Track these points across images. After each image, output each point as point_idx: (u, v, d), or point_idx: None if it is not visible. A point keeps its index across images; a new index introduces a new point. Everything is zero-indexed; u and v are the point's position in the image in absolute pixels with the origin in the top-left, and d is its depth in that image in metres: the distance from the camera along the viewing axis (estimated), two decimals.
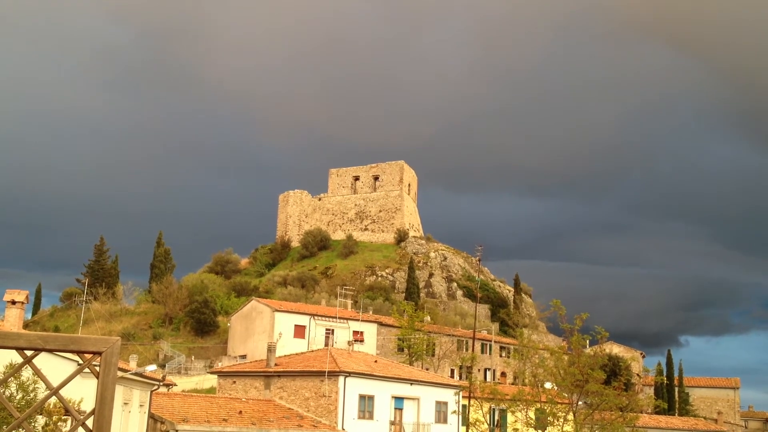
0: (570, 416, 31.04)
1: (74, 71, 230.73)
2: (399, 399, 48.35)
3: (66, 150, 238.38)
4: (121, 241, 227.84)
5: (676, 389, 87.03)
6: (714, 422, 77.69)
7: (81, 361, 3.39)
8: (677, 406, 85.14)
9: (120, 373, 29.43)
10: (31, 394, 20.38)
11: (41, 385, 20.14)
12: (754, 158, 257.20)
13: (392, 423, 47.57)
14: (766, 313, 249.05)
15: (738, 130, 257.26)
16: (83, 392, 17.57)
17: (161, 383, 38.38)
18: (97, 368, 3.34)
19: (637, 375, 79.90)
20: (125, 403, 32.57)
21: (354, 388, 45.34)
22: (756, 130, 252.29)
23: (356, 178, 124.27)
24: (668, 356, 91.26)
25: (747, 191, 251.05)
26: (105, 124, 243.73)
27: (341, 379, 44.75)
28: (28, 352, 3.23)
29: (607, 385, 30.77)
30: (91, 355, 3.36)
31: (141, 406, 35.29)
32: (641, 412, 50.50)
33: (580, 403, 32.34)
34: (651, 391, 71.58)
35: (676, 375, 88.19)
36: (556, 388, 33.00)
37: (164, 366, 66.46)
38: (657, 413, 68.76)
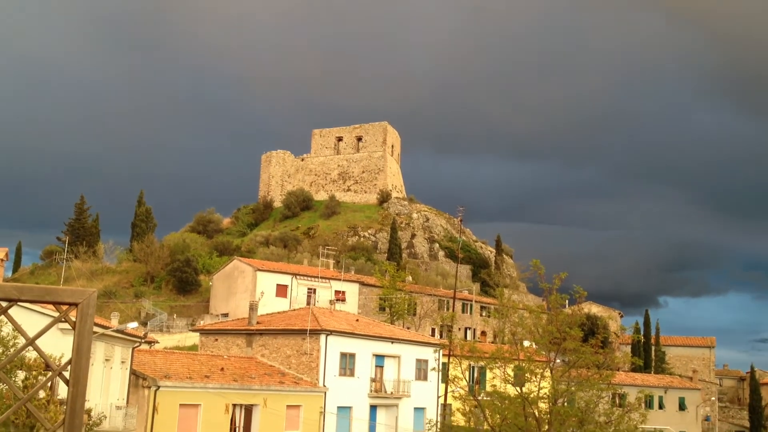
0: (547, 373, 31.56)
1: (56, 26, 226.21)
2: (380, 357, 48.93)
3: (48, 108, 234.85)
4: (103, 200, 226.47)
5: (653, 348, 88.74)
6: (689, 380, 79.37)
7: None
8: (653, 364, 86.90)
9: (101, 330, 29.49)
10: (11, 349, 20.43)
11: (22, 340, 20.16)
12: (737, 122, 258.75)
13: (373, 380, 48.19)
14: (744, 274, 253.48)
15: (720, 94, 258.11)
16: (63, 348, 17.61)
17: (143, 340, 38.56)
18: (74, 320, 3.37)
19: (615, 334, 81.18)
20: (107, 360, 32.72)
21: (335, 346, 45.80)
22: (739, 95, 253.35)
23: (339, 139, 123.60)
24: (646, 315, 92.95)
25: (729, 155, 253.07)
26: (86, 82, 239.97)
27: (323, 337, 45.15)
28: (4, 304, 3.26)
29: (585, 343, 31.25)
30: (67, 307, 3.40)
31: (123, 362, 35.48)
32: (617, 370, 51.48)
33: (557, 360, 32.88)
34: (628, 349, 72.84)
35: (653, 334, 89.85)
36: (534, 346, 33.50)
37: (146, 324, 66.63)
38: (633, 371, 70.11)
